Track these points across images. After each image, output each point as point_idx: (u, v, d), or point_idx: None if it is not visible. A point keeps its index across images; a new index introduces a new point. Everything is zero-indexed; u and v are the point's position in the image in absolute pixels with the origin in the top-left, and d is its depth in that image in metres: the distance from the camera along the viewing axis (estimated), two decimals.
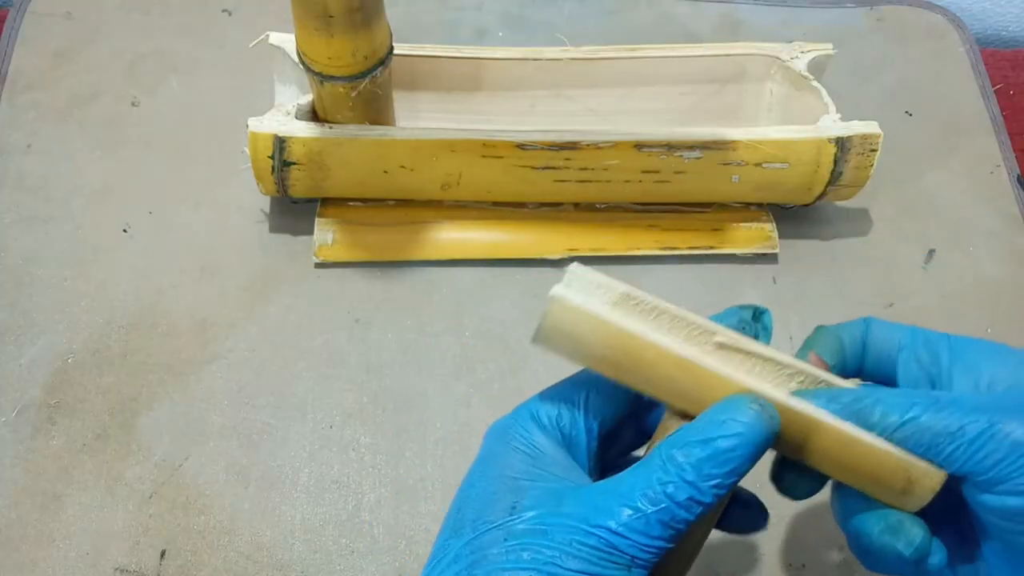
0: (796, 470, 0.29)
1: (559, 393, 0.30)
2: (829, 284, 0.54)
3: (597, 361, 0.28)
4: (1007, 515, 0.27)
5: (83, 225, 0.51)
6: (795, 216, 0.55)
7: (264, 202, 0.53)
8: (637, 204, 0.53)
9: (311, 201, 0.52)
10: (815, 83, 0.53)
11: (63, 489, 0.43)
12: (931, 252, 0.56)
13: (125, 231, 0.51)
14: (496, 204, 0.52)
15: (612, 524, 0.25)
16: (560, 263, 0.52)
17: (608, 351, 0.28)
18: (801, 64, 0.54)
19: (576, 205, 0.53)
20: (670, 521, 0.25)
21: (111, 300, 0.49)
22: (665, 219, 0.53)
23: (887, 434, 0.27)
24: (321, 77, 0.44)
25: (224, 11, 0.60)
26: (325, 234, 0.51)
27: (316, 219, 0.51)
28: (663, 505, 0.25)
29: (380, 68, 0.45)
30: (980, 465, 0.26)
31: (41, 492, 0.43)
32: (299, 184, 0.48)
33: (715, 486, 0.25)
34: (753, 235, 0.53)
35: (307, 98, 0.48)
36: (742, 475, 0.26)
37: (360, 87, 0.45)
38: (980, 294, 0.54)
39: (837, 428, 0.27)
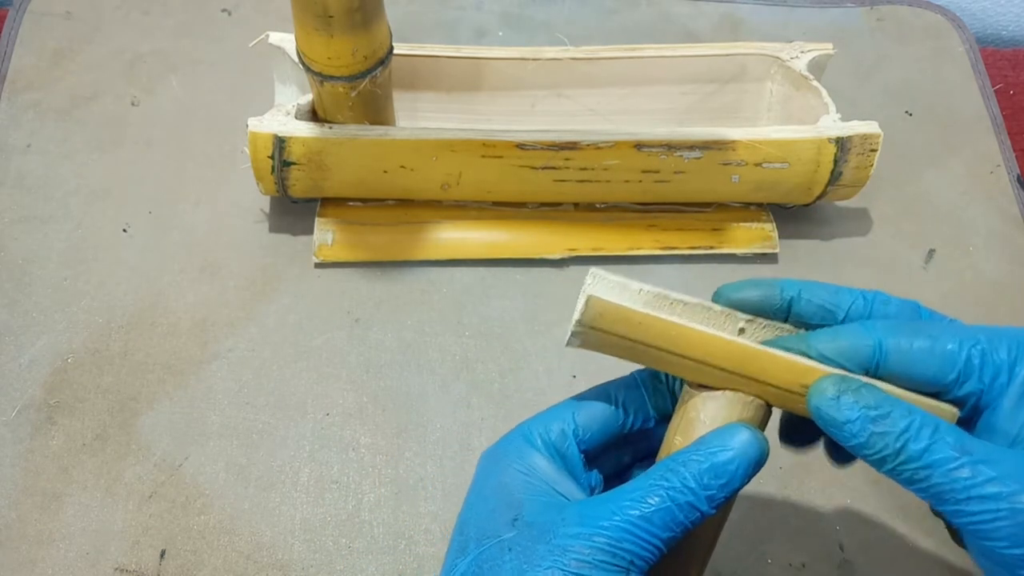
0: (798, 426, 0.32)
1: (546, 415, 0.32)
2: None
3: (628, 349, 0.30)
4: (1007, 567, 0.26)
5: (83, 225, 0.51)
6: (795, 216, 0.55)
7: (264, 202, 0.53)
8: (637, 204, 0.53)
9: (311, 201, 0.52)
10: (815, 83, 0.53)
11: (63, 489, 0.43)
12: (931, 252, 0.56)
13: (125, 231, 0.51)
14: (496, 204, 0.52)
15: (617, 519, 0.26)
16: (560, 263, 0.52)
17: (641, 338, 0.30)
18: (801, 64, 0.54)
19: (576, 205, 0.53)
20: (670, 522, 0.27)
21: (111, 300, 0.49)
22: (665, 219, 0.53)
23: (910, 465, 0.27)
24: (321, 77, 0.44)
25: (224, 11, 0.60)
26: (325, 234, 0.51)
27: (316, 219, 0.51)
28: (665, 506, 0.27)
29: (380, 68, 0.45)
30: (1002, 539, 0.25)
31: (41, 492, 0.43)
32: (299, 184, 0.48)
33: (711, 496, 0.27)
34: (753, 235, 0.53)
35: (307, 98, 0.48)
36: (736, 489, 0.28)
37: (360, 87, 0.45)
38: (980, 294, 0.54)
39: None
